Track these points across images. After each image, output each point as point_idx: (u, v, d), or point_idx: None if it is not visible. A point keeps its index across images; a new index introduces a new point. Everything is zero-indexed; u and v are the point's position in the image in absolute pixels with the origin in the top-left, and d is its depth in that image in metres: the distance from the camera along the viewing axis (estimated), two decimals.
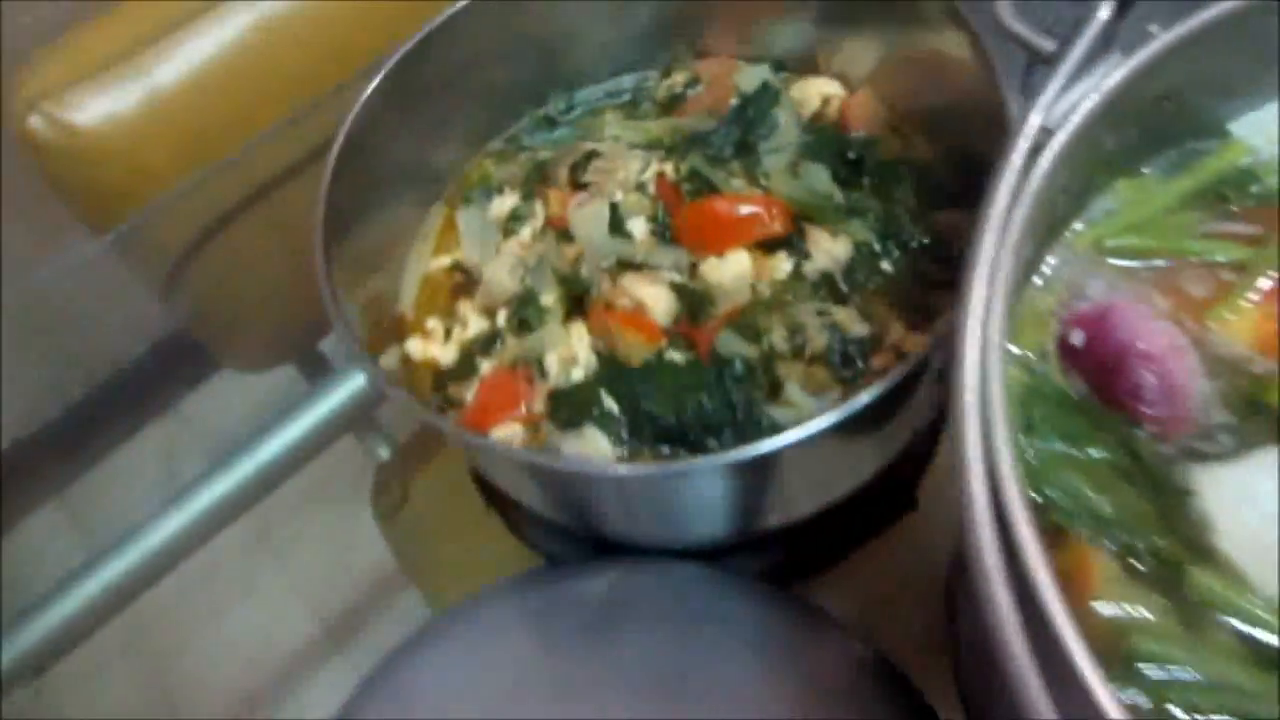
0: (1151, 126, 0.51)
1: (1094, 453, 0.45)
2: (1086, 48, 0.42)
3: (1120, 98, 0.45)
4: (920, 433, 0.76)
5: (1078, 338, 0.48)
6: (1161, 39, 0.45)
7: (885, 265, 0.75)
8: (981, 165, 0.78)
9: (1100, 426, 0.46)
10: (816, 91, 0.85)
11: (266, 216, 1.13)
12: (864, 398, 0.57)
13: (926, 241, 0.75)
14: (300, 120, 1.10)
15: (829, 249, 0.75)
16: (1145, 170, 0.52)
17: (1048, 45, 0.44)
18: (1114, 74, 0.44)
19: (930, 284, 0.75)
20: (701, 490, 0.65)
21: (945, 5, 0.72)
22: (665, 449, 0.71)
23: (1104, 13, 0.42)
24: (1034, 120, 0.41)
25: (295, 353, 1.21)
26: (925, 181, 0.79)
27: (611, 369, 0.74)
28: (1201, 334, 0.48)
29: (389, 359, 0.76)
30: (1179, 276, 0.50)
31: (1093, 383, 0.48)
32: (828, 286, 0.75)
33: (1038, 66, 0.45)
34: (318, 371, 1.26)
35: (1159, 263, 0.50)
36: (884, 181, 0.79)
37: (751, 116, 0.82)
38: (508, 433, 0.72)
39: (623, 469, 0.63)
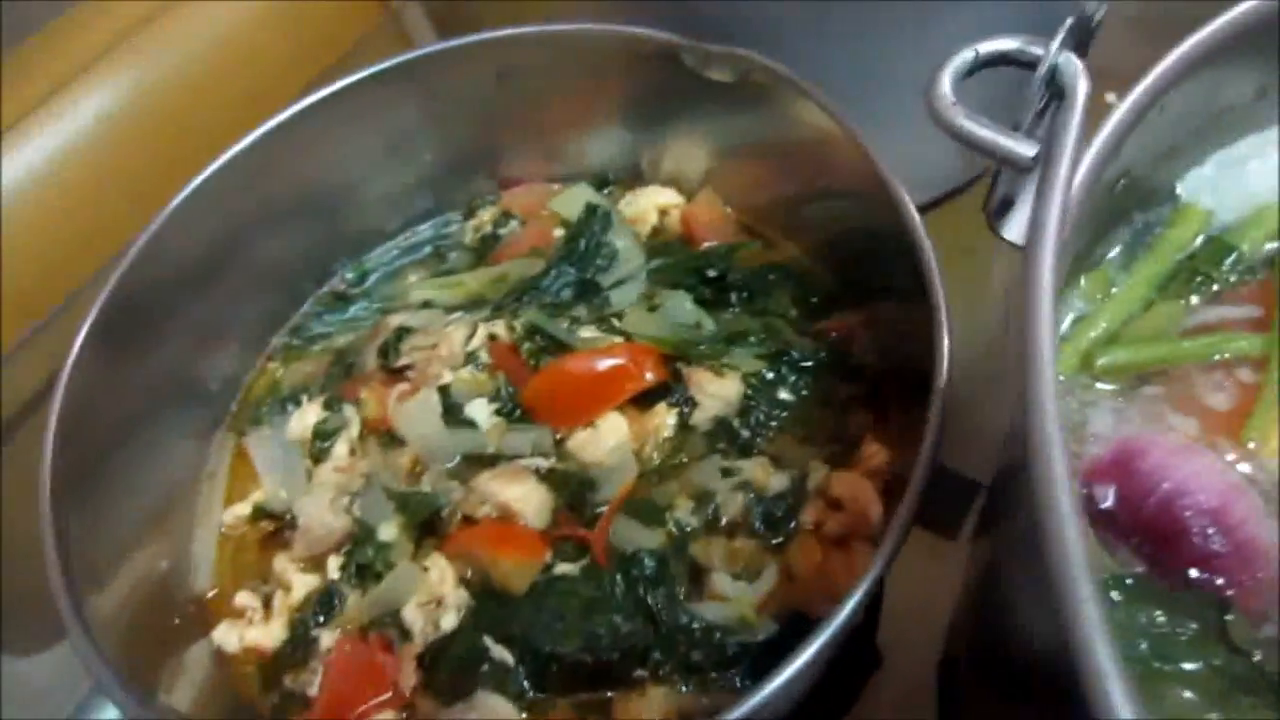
0: (1104, 209, 0.41)
1: (1189, 666, 0.33)
2: (1073, 147, 0.31)
3: (1089, 187, 0.35)
4: None
5: (1107, 496, 0.37)
6: (1122, 107, 0.35)
7: (784, 394, 0.63)
8: (862, 255, 0.69)
9: (1176, 612, 0.35)
10: (651, 203, 0.73)
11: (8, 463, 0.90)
12: (843, 612, 0.44)
13: (823, 356, 0.64)
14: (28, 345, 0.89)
15: (716, 391, 0.62)
16: (1107, 257, 0.43)
17: (1027, 151, 0.33)
18: (1083, 163, 0.33)
19: (840, 405, 0.63)
20: None
21: (781, 79, 0.62)
22: (582, 695, 0.55)
23: (1081, 93, 0.32)
24: (1049, 249, 0.29)
25: None
26: (802, 286, 0.68)
27: (490, 604, 0.58)
28: (1246, 459, 0.38)
29: (194, 662, 0.57)
30: (1191, 387, 0.40)
31: (1144, 554, 0.36)
32: (726, 435, 0.62)
33: (1004, 172, 0.34)
34: None
35: (1160, 378, 0.40)
36: (755, 295, 0.67)
37: (585, 248, 0.69)
38: None
39: None
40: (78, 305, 0.69)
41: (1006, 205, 0.37)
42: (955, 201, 0.72)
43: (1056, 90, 0.33)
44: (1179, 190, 0.44)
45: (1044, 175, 0.30)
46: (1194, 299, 0.42)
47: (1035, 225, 0.29)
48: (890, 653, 0.66)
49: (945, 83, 0.34)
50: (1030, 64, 0.34)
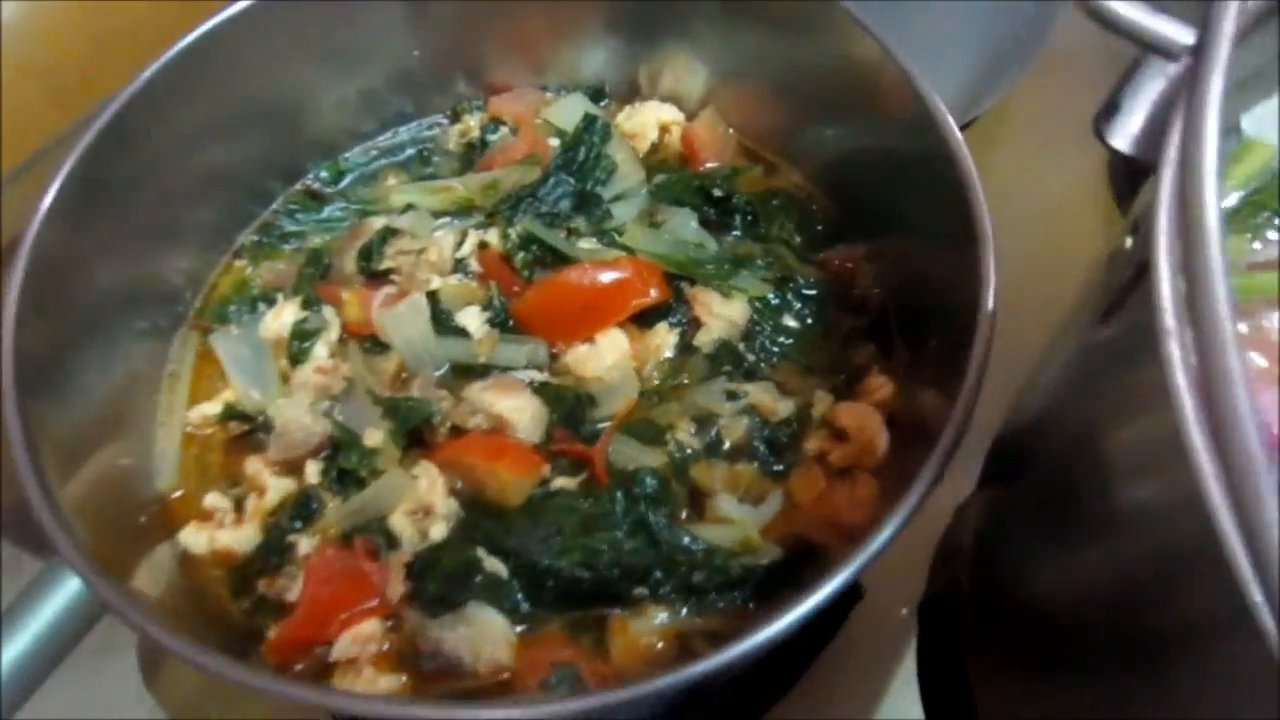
0: None
1: None
2: (1233, 36, 0.30)
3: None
4: None
5: None
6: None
7: (789, 320, 0.62)
8: (867, 183, 0.67)
9: None
10: (652, 119, 0.70)
11: None
12: (866, 552, 0.43)
13: (827, 286, 0.63)
14: None
15: (723, 313, 0.60)
16: None
17: (1184, 38, 0.31)
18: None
19: (843, 337, 0.62)
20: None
21: None
22: (578, 612, 0.53)
23: None
24: (1210, 139, 0.27)
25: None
26: (805, 214, 0.66)
27: (483, 516, 0.55)
28: None
29: (157, 565, 0.53)
30: (1258, 321, 0.39)
31: None
32: (730, 358, 0.60)
33: (1149, 63, 0.33)
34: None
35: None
36: (758, 219, 0.65)
37: (584, 159, 0.66)
38: (360, 635, 0.51)
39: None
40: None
41: (1113, 110, 0.36)
42: None
43: None
44: (1243, 124, 0.43)
45: (1200, 61, 0.29)
46: (1253, 230, 0.42)
47: (1194, 113, 0.27)
48: (870, 588, 0.66)
49: None
50: None
